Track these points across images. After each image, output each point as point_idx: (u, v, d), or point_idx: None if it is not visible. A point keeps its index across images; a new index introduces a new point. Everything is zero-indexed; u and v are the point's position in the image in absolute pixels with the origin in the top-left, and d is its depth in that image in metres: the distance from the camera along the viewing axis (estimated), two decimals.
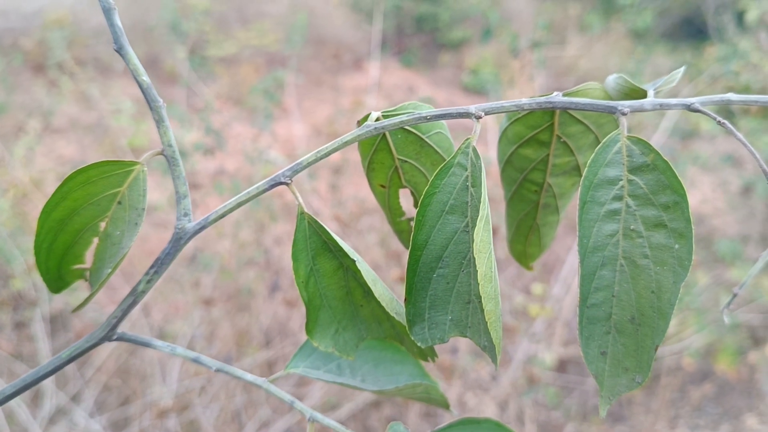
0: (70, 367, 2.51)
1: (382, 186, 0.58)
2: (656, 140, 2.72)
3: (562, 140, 0.55)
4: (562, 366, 2.68)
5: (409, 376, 0.57)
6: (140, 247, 3.18)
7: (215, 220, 0.47)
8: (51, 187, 3.10)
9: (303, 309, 2.58)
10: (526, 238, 0.63)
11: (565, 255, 2.75)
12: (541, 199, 0.60)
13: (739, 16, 3.12)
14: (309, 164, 0.48)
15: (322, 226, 0.49)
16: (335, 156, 2.92)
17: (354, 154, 2.82)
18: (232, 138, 2.82)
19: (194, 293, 2.50)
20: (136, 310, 2.47)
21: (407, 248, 0.61)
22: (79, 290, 2.75)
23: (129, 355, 2.54)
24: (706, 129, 2.81)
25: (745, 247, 2.81)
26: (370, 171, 0.57)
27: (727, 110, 2.80)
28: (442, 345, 2.45)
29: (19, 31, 4.88)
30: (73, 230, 0.51)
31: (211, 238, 2.73)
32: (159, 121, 0.48)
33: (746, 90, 2.75)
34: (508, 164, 0.58)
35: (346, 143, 0.48)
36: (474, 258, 0.43)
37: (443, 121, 0.54)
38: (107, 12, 0.47)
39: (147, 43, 4.94)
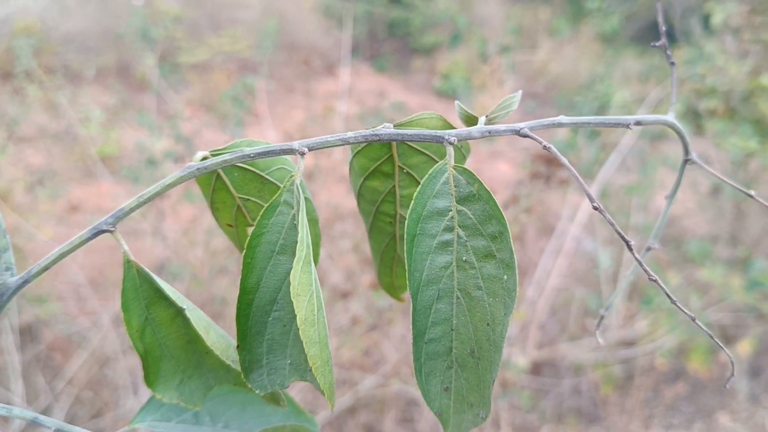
0: (40, 381, 2.47)
1: (229, 225, 0.56)
2: (626, 142, 2.75)
3: (405, 171, 0.54)
4: (536, 369, 2.69)
5: (283, 417, 0.54)
6: (111, 257, 3.14)
7: (38, 274, 0.44)
8: (20, 197, 3.05)
9: None
10: (391, 270, 0.62)
11: (537, 258, 2.77)
12: (397, 231, 0.59)
13: (705, 20, 3.17)
14: (132, 210, 0.45)
15: (150, 275, 0.47)
16: (308, 161, 2.91)
17: (325, 160, 2.81)
18: (203, 145, 2.80)
19: None
20: (107, 322, 2.44)
21: None
22: (49, 302, 2.71)
23: (100, 367, 2.50)
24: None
25: (715, 246, 2.85)
26: (214, 210, 0.55)
27: (694, 112, 2.84)
28: None
29: None
30: None
31: (182, 246, 2.71)
32: None
33: (712, 92, 2.79)
34: (360, 197, 0.57)
35: (169, 186, 0.45)
36: (293, 302, 0.42)
37: (286, 157, 0.52)
38: None
39: (117, 51, 4.90)
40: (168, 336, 0.49)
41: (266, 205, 0.45)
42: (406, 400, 2.53)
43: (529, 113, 3.83)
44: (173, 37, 4.12)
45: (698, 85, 2.77)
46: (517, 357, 2.39)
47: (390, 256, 0.61)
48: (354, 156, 0.54)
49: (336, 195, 2.86)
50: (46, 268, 0.44)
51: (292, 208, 0.45)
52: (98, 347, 2.47)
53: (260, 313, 0.46)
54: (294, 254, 0.45)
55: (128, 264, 0.46)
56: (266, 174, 0.52)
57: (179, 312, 0.48)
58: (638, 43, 4.17)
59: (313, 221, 0.55)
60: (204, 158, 0.48)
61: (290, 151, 0.46)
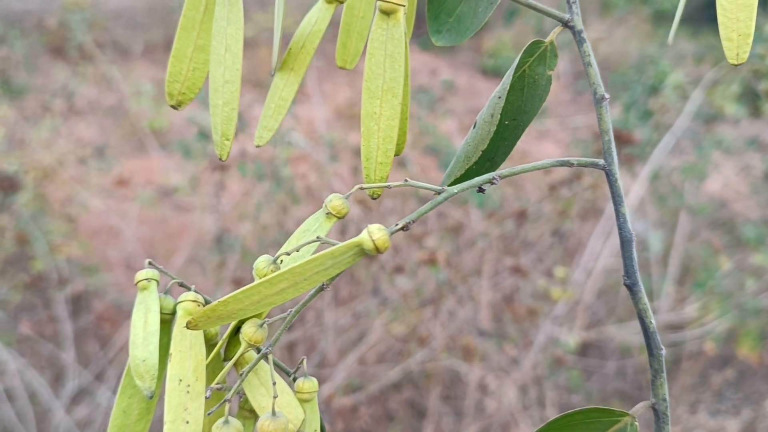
0: (93, 347, 2.54)
1: None
2: (679, 124, 2.70)
3: None
4: (582, 350, 2.68)
5: None
6: (161, 230, 3.20)
7: None
8: (72, 169, 3.11)
9: (328, 292, 2.59)
10: None
11: (586, 239, 2.74)
12: None
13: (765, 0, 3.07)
14: None
15: None
16: (356, 139, 2.91)
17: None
18: (253, 120, 2.82)
19: (217, 275, 2.52)
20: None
21: None
22: (100, 272, 2.77)
23: None
24: (729, 112, 2.78)
25: None
26: None
27: (752, 93, 2.77)
28: (470, 329, 2.45)
29: (37, 13, 4.89)
30: None
31: (230, 220, 2.74)
32: (658, 371, 0.43)
33: None
34: None
35: None
36: None
37: None
38: (627, 243, 0.42)
39: (166, 26, 4.94)
40: None
41: None
42: (451, 377, 2.54)
43: (581, 93, 3.77)
44: None
45: (757, 65, 2.69)
46: (565, 337, 2.38)
47: None
48: None
49: None
50: None
51: None
52: None
53: None
54: None
55: None
56: None
57: None
58: (691, 24, 4.07)
59: None
60: None
61: None
